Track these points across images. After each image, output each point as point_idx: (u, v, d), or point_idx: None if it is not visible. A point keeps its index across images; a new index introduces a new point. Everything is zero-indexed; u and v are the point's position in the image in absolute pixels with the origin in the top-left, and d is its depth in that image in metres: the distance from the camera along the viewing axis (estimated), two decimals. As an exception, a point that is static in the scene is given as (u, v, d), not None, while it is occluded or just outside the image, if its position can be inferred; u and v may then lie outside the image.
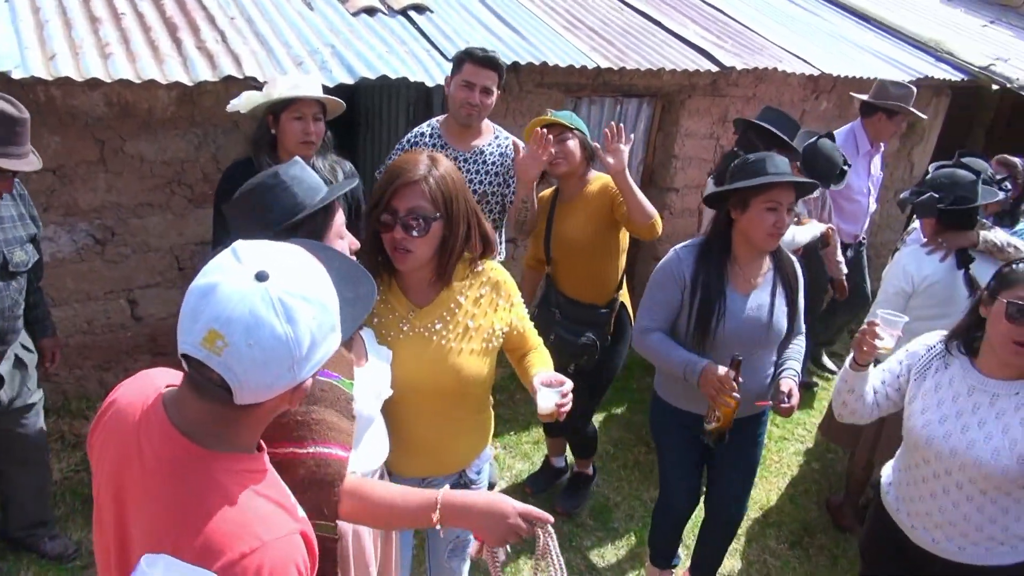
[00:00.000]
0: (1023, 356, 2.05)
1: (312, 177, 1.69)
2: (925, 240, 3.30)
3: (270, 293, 1.06)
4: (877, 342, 2.25)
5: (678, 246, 2.69)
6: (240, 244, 1.13)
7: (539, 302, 3.39)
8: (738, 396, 2.45)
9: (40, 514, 3.05)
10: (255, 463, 1.22)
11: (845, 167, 3.88)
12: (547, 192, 3.36)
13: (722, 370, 2.46)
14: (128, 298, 3.79)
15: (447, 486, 1.63)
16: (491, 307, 2.08)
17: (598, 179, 3.27)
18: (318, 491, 1.54)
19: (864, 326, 2.29)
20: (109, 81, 2.94)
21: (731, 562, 3.58)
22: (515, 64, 3.90)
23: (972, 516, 2.19)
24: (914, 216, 4.10)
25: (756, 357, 2.64)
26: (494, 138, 3.27)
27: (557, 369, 3.38)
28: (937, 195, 3.17)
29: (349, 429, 1.62)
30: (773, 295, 2.62)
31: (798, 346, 2.75)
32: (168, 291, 3.85)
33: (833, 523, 3.94)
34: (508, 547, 1.65)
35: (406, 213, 1.85)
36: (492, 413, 2.31)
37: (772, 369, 2.72)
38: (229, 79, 3.18)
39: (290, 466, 1.51)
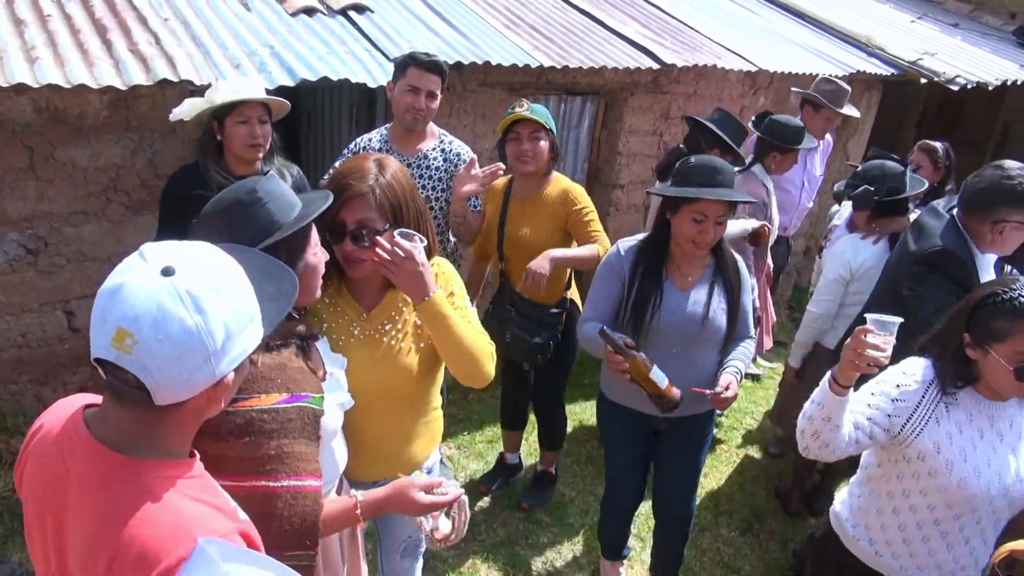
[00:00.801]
0: None
1: (288, 194, 1.66)
2: (858, 229, 3.47)
3: (177, 286, 1.05)
4: (871, 352, 1.87)
5: (620, 241, 2.74)
6: (147, 245, 1.11)
7: (494, 299, 3.39)
8: (626, 366, 2.43)
9: None
10: (187, 468, 1.19)
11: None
12: (500, 183, 3.32)
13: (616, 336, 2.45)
14: (65, 309, 3.66)
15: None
16: None
17: (558, 181, 3.27)
18: (300, 524, 1.55)
19: (855, 336, 1.89)
20: (37, 87, 2.83)
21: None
22: (458, 64, 3.89)
23: (962, 555, 2.09)
24: (837, 212, 4.31)
25: (695, 354, 2.66)
26: (439, 143, 3.25)
27: (511, 366, 3.38)
28: (872, 187, 3.33)
29: (316, 454, 1.62)
30: (711, 293, 2.64)
31: (745, 348, 2.75)
32: (106, 301, 3.73)
33: (783, 509, 4.04)
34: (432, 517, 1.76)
35: (355, 226, 1.85)
36: (441, 412, 2.31)
37: (715, 369, 2.70)
38: (164, 82, 3.09)
39: (265, 499, 1.51)
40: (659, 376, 2.47)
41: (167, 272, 1.06)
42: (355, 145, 3.26)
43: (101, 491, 1.11)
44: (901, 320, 1.91)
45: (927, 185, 3.61)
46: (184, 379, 1.07)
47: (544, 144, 3.14)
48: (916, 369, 2.09)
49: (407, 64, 3.02)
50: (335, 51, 3.67)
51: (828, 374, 1.99)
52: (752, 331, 2.80)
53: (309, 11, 4.00)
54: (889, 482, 2.16)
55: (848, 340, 1.91)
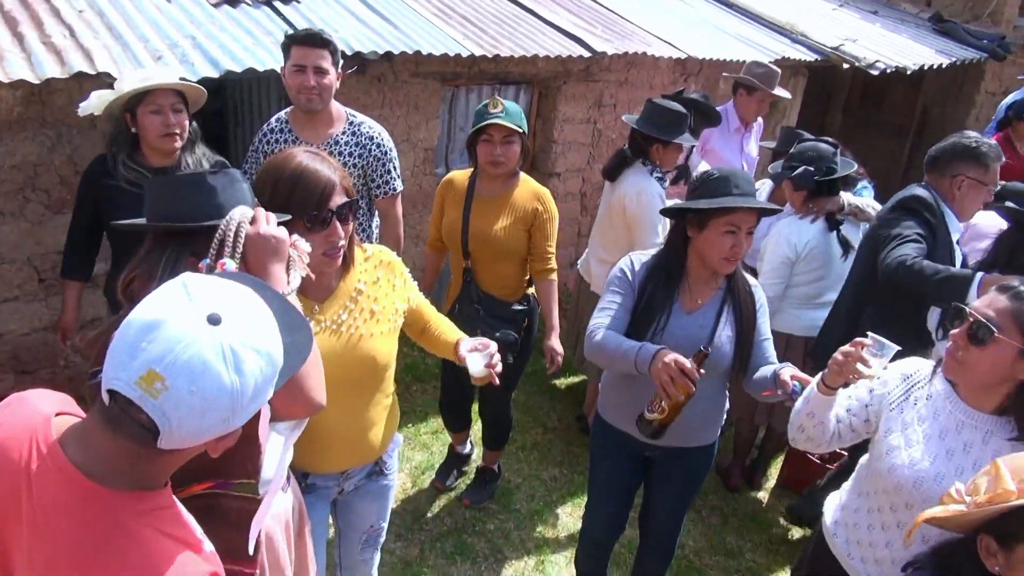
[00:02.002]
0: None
1: (245, 196, 1.63)
2: (796, 209, 3.54)
3: (222, 340, 1.00)
4: (861, 367, 1.91)
5: (633, 254, 2.60)
6: (190, 278, 1.06)
7: (459, 298, 3.30)
8: (693, 389, 2.20)
9: None
10: (161, 499, 1.14)
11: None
12: (460, 176, 3.28)
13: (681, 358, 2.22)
14: (-17, 314, 3.52)
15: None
16: (389, 287, 2.11)
17: (526, 183, 3.22)
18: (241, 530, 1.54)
19: (849, 347, 1.93)
20: (-59, 81, 2.71)
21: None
22: (388, 54, 3.86)
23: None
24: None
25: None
26: (348, 125, 3.17)
27: (454, 367, 3.30)
28: (811, 168, 3.40)
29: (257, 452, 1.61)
30: (718, 319, 2.47)
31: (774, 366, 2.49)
32: (28, 304, 3.59)
33: (723, 484, 4.13)
34: None
35: (339, 209, 1.84)
36: (396, 397, 2.31)
37: (720, 400, 2.61)
38: (81, 76, 2.98)
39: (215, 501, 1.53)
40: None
41: (213, 320, 1.01)
42: (259, 139, 3.17)
43: (68, 518, 1.06)
44: (898, 348, 1.96)
45: (856, 166, 3.70)
46: (199, 432, 1.03)
47: (516, 147, 3.07)
48: (904, 368, 2.08)
49: (288, 45, 2.94)
50: (260, 42, 3.59)
51: (819, 375, 2.03)
52: (775, 358, 2.53)
53: (232, 1, 3.91)
54: (865, 481, 2.14)
55: (844, 346, 1.94)
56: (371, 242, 3.33)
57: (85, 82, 3.09)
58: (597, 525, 2.97)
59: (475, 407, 3.86)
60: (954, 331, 1.87)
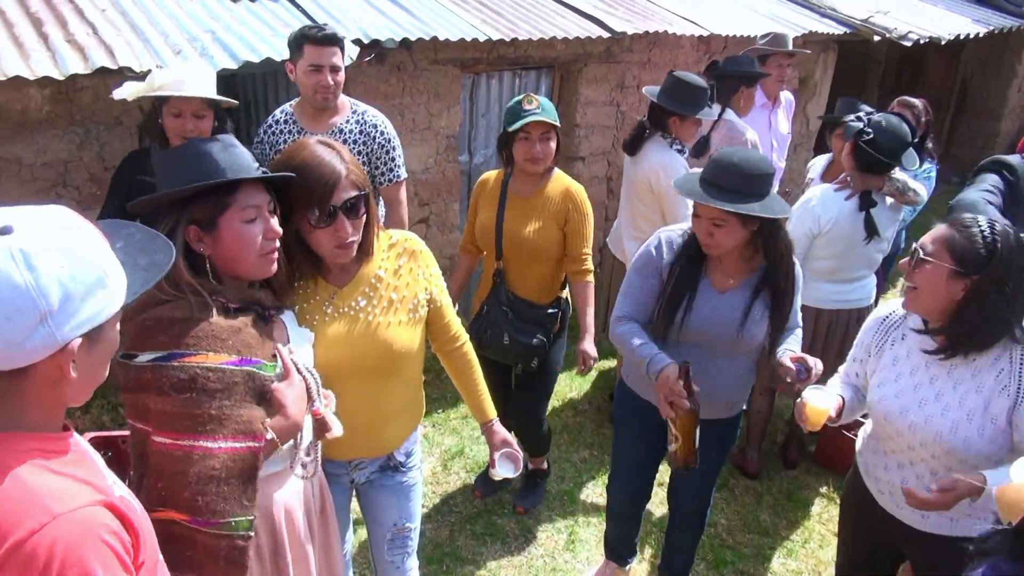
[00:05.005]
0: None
1: (246, 157, 1.66)
2: (837, 176, 3.38)
3: (10, 243, 1.02)
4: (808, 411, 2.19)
5: (662, 230, 2.54)
6: None
7: (487, 300, 3.24)
8: (689, 405, 2.23)
9: None
10: (52, 443, 1.13)
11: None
12: (493, 177, 3.25)
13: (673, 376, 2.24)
14: (22, 311, 3.62)
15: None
16: (411, 276, 2.06)
17: (559, 179, 3.16)
18: (238, 484, 1.54)
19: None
20: (-30, 80, 2.80)
21: (660, 510, 3.67)
22: (406, 42, 3.88)
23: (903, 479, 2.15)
24: (812, 165, 4.24)
25: (724, 363, 2.48)
26: (352, 113, 3.18)
27: (496, 369, 3.28)
28: (870, 132, 3.17)
29: (260, 417, 1.61)
30: (752, 300, 2.39)
31: (795, 336, 2.52)
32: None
33: (743, 473, 3.99)
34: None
35: (345, 203, 1.81)
36: (423, 395, 2.28)
37: (747, 379, 2.58)
38: (105, 72, 3.05)
39: (203, 459, 1.50)
40: (697, 437, 2.31)
41: (4, 231, 1.03)
42: (264, 131, 3.19)
43: None
44: (839, 399, 2.25)
45: (916, 162, 3.38)
46: (18, 341, 1.03)
47: (554, 143, 3.04)
48: (881, 311, 2.26)
49: (301, 43, 2.95)
50: (279, 33, 3.64)
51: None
52: (800, 320, 2.54)
53: (251, -5, 3.97)
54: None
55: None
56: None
57: (109, 78, 3.16)
58: (620, 496, 2.96)
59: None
60: (901, 261, 2.06)
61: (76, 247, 1.08)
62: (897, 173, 3.31)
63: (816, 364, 2.26)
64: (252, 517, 1.56)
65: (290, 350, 1.77)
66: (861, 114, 3.47)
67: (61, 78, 2.97)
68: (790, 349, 2.40)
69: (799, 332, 2.55)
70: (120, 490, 1.21)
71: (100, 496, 1.12)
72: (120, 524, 1.13)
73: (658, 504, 3.53)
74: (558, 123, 3.03)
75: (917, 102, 4.42)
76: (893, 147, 3.16)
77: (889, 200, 3.36)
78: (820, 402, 2.19)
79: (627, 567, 3.19)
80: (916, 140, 4.01)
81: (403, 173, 3.30)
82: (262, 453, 1.59)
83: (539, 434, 3.56)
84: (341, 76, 3.04)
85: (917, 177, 4.01)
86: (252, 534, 1.56)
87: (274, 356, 1.70)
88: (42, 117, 3.37)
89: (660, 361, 2.30)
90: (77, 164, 3.53)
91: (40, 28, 3.21)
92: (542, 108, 2.94)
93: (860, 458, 2.37)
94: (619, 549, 3.14)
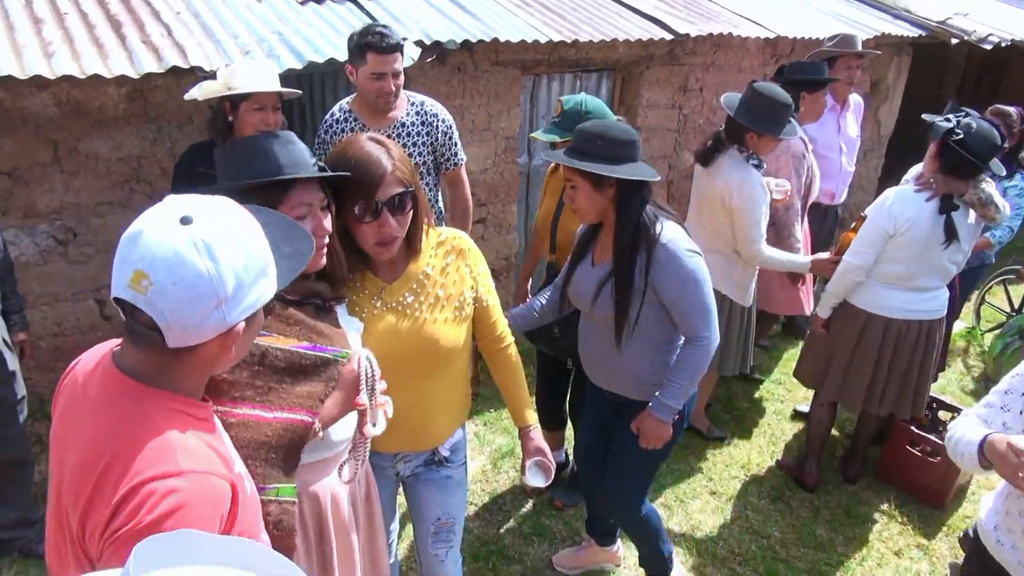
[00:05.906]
0: None
1: (304, 154, 1.73)
2: (919, 176, 3.24)
3: (193, 234, 1.10)
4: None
5: None
6: (170, 197, 1.18)
7: (540, 292, 3.19)
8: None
9: (25, 513, 3.05)
10: (197, 410, 1.23)
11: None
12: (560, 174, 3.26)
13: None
14: (96, 298, 3.80)
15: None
16: (458, 274, 2.08)
17: None
18: (284, 451, 1.60)
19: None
20: (52, 78, 2.95)
21: (712, 519, 3.60)
22: (467, 43, 3.92)
23: None
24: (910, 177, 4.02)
25: (604, 341, 2.52)
26: (410, 106, 3.25)
27: (551, 363, 3.33)
28: (958, 132, 3.03)
29: (319, 393, 1.68)
30: (608, 277, 2.43)
31: (687, 359, 2.42)
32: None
33: (800, 486, 3.87)
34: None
35: (391, 199, 1.84)
36: (470, 392, 2.30)
37: (638, 360, 2.53)
38: (179, 72, 3.19)
39: (255, 426, 1.57)
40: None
41: (185, 221, 1.11)
42: (324, 128, 3.25)
43: (102, 410, 1.17)
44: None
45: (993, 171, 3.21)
46: (195, 323, 1.12)
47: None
48: None
49: (364, 51, 2.99)
50: (343, 35, 3.72)
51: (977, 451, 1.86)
52: (709, 332, 2.39)
53: (318, -1, 4.08)
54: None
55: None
56: (438, 215, 3.38)
57: (181, 78, 3.29)
58: (585, 472, 3.02)
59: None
60: None
61: (246, 239, 1.17)
62: (985, 184, 3.14)
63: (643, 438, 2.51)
64: (294, 485, 1.62)
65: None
66: (950, 115, 3.32)
67: (136, 77, 3.10)
68: (660, 401, 2.45)
69: (700, 353, 2.40)
70: (239, 467, 1.29)
71: (226, 471, 1.20)
72: (231, 505, 1.20)
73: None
74: (603, 113, 2.99)
75: (1011, 110, 4.21)
76: (982, 149, 3.01)
77: (972, 213, 3.20)
78: None
79: (614, 549, 3.27)
80: (1008, 149, 3.84)
81: (464, 156, 3.38)
82: (313, 427, 1.64)
83: None
84: (401, 79, 3.11)
85: (1006, 192, 3.80)
86: (296, 500, 1.62)
87: (347, 345, 1.76)
88: (118, 114, 3.52)
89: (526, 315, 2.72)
90: (150, 159, 3.68)
91: (119, 30, 3.37)
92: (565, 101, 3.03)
93: (987, 526, 2.08)
94: (596, 527, 3.19)
